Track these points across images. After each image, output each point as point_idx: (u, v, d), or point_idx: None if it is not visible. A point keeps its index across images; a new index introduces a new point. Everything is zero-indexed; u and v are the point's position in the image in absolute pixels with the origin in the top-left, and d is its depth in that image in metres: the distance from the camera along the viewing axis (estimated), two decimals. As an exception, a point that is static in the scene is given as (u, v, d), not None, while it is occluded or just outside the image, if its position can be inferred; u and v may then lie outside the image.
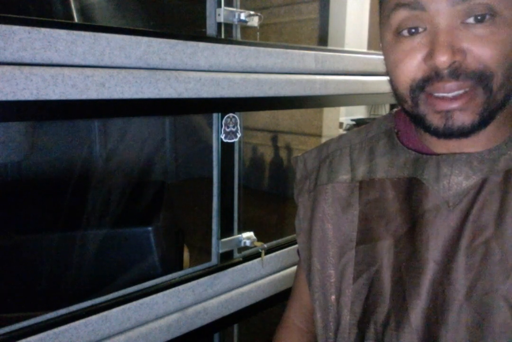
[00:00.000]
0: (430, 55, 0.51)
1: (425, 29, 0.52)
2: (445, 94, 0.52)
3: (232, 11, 0.94)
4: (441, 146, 0.59)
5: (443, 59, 0.50)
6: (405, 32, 0.53)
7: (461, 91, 0.52)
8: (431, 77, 0.52)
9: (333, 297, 0.65)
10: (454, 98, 0.52)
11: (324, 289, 0.66)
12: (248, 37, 1.01)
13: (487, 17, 0.49)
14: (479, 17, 0.50)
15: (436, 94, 0.53)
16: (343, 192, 0.66)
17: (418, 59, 0.53)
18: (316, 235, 0.67)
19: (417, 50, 0.53)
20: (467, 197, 0.56)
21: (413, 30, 0.53)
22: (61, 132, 1.17)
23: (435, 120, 0.54)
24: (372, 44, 1.45)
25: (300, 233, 0.72)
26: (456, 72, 0.51)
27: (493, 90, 0.51)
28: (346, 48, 1.39)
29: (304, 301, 0.76)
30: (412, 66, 0.53)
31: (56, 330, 0.77)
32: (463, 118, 0.52)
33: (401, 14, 0.53)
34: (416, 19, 0.52)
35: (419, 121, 0.56)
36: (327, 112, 1.60)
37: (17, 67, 0.66)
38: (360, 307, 0.62)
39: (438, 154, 0.59)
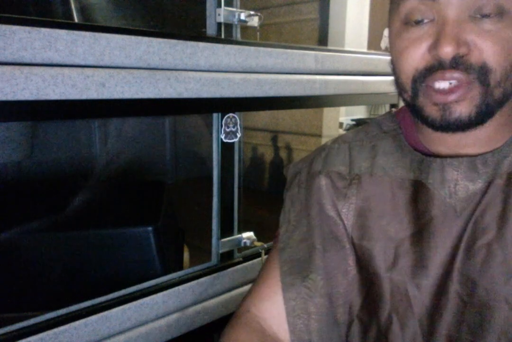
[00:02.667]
0: (434, 45, 0.52)
1: (433, 20, 0.52)
2: (445, 86, 0.52)
3: (232, 11, 0.94)
4: (441, 145, 0.59)
5: (447, 50, 0.50)
6: (413, 21, 0.54)
7: (459, 82, 0.52)
8: (433, 67, 0.52)
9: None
10: (451, 90, 0.52)
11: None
12: (248, 37, 1.00)
13: (495, 13, 0.50)
14: (486, 13, 0.50)
15: (436, 83, 0.53)
16: (339, 182, 0.64)
17: (423, 49, 0.53)
18: (316, 221, 0.65)
19: (423, 40, 0.53)
20: (473, 201, 0.55)
21: (420, 20, 0.53)
22: (60, 132, 1.17)
23: (432, 112, 0.54)
24: (372, 44, 1.45)
25: (283, 224, 0.69)
26: (457, 62, 0.51)
27: (490, 85, 0.52)
28: (346, 48, 1.39)
29: (273, 290, 0.65)
30: (417, 55, 0.53)
31: (56, 330, 0.77)
32: (460, 110, 0.52)
33: (411, 3, 0.53)
34: (426, 9, 0.52)
35: (417, 113, 0.56)
36: (327, 112, 1.60)
37: (17, 67, 0.66)
38: (362, 305, 0.62)
39: (440, 156, 0.59)
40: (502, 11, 0.50)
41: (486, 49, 0.50)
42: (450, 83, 0.52)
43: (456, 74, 0.51)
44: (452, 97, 0.52)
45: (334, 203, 0.64)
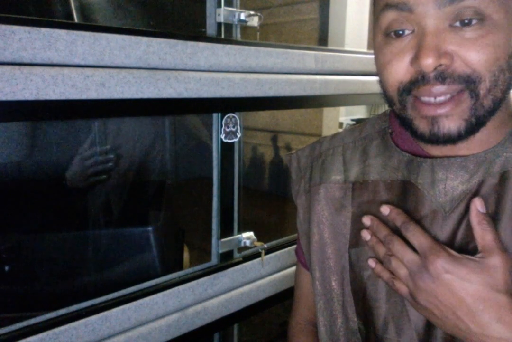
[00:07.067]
0: (416, 58, 0.50)
1: (413, 31, 0.51)
2: (431, 99, 0.51)
3: (232, 11, 0.94)
4: (435, 148, 0.58)
5: (427, 62, 0.49)
6: (393, 34, 0.53)
7: (447, 96, 0.51)
8: (418, 80, 0.51)
9: (334, 301, 0.64)
10: (440, 103, 0.51)
11: (326, 293, 0.65)
12: (248, 37, 1.00)
13: (475, 20, 0.48)
14: (466, 21, 0.48)
15: (423, 98, 0.52)
16: (336, 193, 0.65)
17: (406, 62, 0.52)
18: (315, 238, 0.66)
19: (405, 52, 0.52)
20: (464, 201, 0.55)
21: (401, 32, 0.52)
22: (59, 132, 1.17)
23: (421, 126, 0.53)
24: (372, 44, 1.44)
25: (302, 235, 0.71)
26: (442, 76, 0.50)
27: (480, 95, 0.50)
28: (346, 48, 1.39)
29: (312, 307, 0.75)
30: (400, 69, 0.52)
31: (56, 330, 0.77)
32: (449, 125, 0.51)
33: (389, 15, 0.52)
34: (404, 21, 0.51)
35: (406, 125, 0.56)
36: (327, 112, 1.60)
37: (17, 67, 0.66)
38: (359, 312, 0.62)
39: (432, 157, 0.58)
40: (483, 17, 0.48)
41: (470, 58, 0.49)
42: (437, 99, 0.51)
43: (443, 89, 0.50)
44: (441, 110, 0.51)
45: (333, 216, 0.65)
